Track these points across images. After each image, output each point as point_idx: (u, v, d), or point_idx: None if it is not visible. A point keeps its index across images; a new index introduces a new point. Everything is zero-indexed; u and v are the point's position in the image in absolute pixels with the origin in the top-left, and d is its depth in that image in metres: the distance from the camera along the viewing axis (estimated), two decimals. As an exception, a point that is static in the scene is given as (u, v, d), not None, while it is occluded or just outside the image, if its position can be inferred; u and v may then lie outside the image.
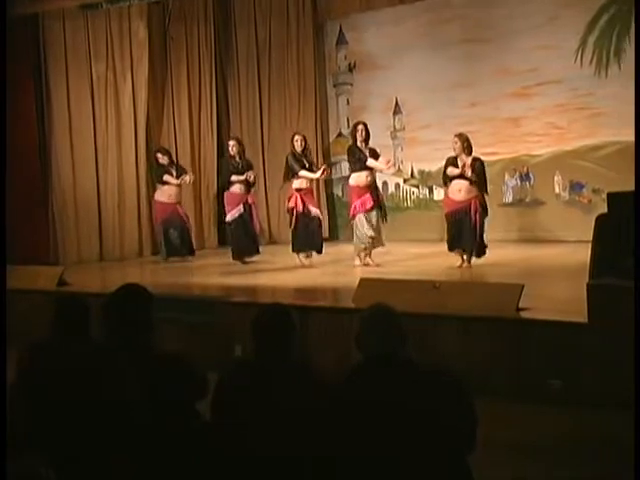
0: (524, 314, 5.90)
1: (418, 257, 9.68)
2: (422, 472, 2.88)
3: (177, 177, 10.62)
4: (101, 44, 11.77)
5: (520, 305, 5.94)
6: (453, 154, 8.66)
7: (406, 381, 2.92)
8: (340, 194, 12.42)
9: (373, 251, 9.16)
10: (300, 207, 9.37)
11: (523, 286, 6.02)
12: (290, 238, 9.59)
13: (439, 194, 11.74)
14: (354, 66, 12.55)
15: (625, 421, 4.74)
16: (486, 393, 4.65)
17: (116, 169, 11.85)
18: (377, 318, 3.09)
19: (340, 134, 12.75)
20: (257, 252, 10.12)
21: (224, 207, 10.23)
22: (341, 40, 12.63)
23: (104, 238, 11.75)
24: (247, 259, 10.03)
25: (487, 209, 8.67)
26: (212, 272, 9.81)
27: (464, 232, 8.55)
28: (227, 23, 13.03)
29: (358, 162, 9.00)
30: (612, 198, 5.73)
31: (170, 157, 10.86)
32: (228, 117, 13.11)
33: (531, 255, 9.33)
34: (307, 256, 9.48)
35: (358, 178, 9.04)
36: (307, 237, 9.43)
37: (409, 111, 11.53)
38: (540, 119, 10.89)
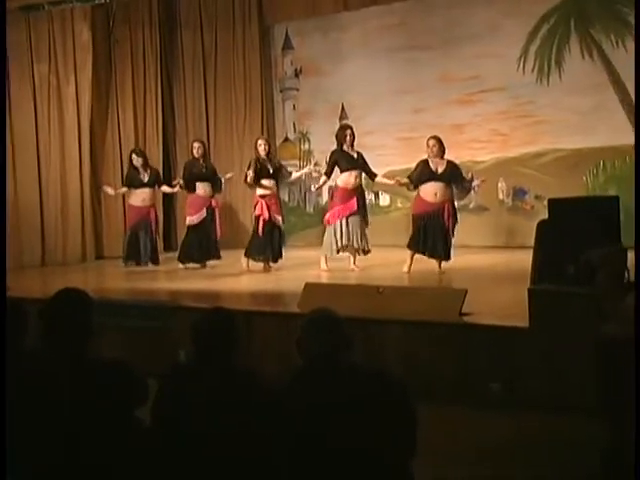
0: (467, 319, 5.96)
1: (389, 262, 9.63)
2: (364, 476, 2.89)
3: (149, 180, 10.23)
4: (43, 46, 11.61)
5: (464, 310, 6.00)
6: (425, 157, 8.69)
7: (347, 385, 2.93)
8: (287, 199, 12.38)
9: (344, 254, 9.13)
10: (266, 215, 9.30)
11: (466, 291, 6.08)
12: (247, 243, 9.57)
13: (385, 200, 11.84)
14: (300, 71, 12.57)
15: (563, 424, 4.83)
16: (428, 397, 4.68)
17: (59, 172, 11.69)
18: (318, 322, 3.10)
19: (286, 139, 12.76)
20: (218, 257, 10.01)
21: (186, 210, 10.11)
22: (287, 45, 12.64)
23: (46, 242, 11.58)
24: (202, 265, 9.94)
25: (457, 215, 8.74)
26: (161, 277, 9.73)
27: (436, 236, 8.57)
28: (172, 26, 12.93)
29: (347, 163, 8.95)
30: (552, 204, 5.82)
31: (145, 159, 10.37)
32: (174, 121, 13.00)
33: (475, 261, 9.43)
34: (265, 264, 9.43)
35: (347, 178, 8.96)
36: (268, 245, 9.36)
37: (354, 117, 11.57)
38: (483, 126, 11.02)
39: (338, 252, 9.06)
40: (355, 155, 9.02)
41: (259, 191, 9.38)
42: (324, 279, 8.59)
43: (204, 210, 9.88)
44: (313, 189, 10.22)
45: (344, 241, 8.96)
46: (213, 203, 9.99)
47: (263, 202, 9.34)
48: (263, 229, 9.31)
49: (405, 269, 8.69)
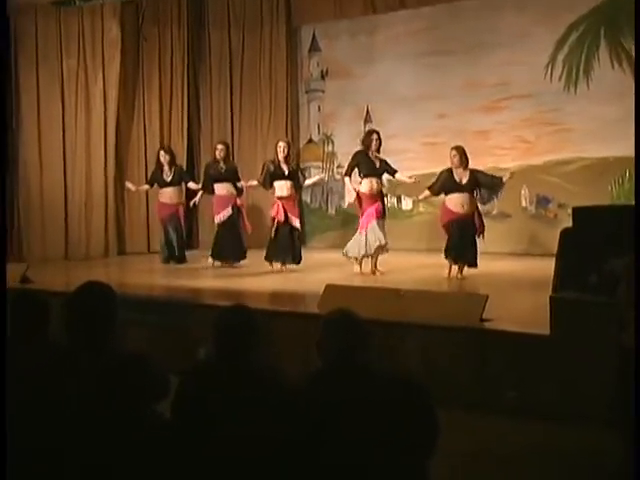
0: (488, 325, 5.94)
1: (410, 266, 9.63)
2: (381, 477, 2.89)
3: (173, 179, 10.38)
4: (73, 41, 11.72)
5: (484, 316, 5.98)
6: (448, 166, 8.67)
7: (366, 387, 2.92)
8: (309, 201, 12.42)
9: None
10: (282, 217, 9.31)
11: (487, 297, 6.06)
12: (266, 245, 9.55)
13: (407, 204, 11.82)
14: (326, 73, 12.59)
15: (582, 433, 4.80)
16: (446, 401, 4.66)
17: (84, 167, 11.78)
18: (338, 324, 3.09)
19: (310, 140, 12.78)
20: (244, 257, 9.98)
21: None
22: (314, 47, 12.66)
23: (70, 236, 11.67)
24: (230, 263, 9.91)
25: (484, 223, 8.71)
26: (185, 275, 9.75)
27: (466, 242, 8.57)
28: (200, 26, 12.99)
29: (368, 169, 8.97)
30: (577, 213, 5.79)
31: (172, 156, 10.50)
32: (199, 120, 13.06)
33: (497, 267, 9.39)
34: (282, 264, 9.44)
35: (369, 185, 8.96)
36: (285, 247, 9.36)
37: (378, 120, 11.58)
38: (508, 133, 10.98)
39: (365, 256, 9.03)
40: (378, 162, 9.02)
41: (277, 192, 9.40)
42: (344, 281, 8.56)
43: (229, 207, 9.89)
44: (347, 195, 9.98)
45: (377, 244, 8.93)
46: (238, 202, 10.00)
47: (280, 204, 9.35)
48: (279, 231, 9.31)
49: (446, 274, 8.66)
